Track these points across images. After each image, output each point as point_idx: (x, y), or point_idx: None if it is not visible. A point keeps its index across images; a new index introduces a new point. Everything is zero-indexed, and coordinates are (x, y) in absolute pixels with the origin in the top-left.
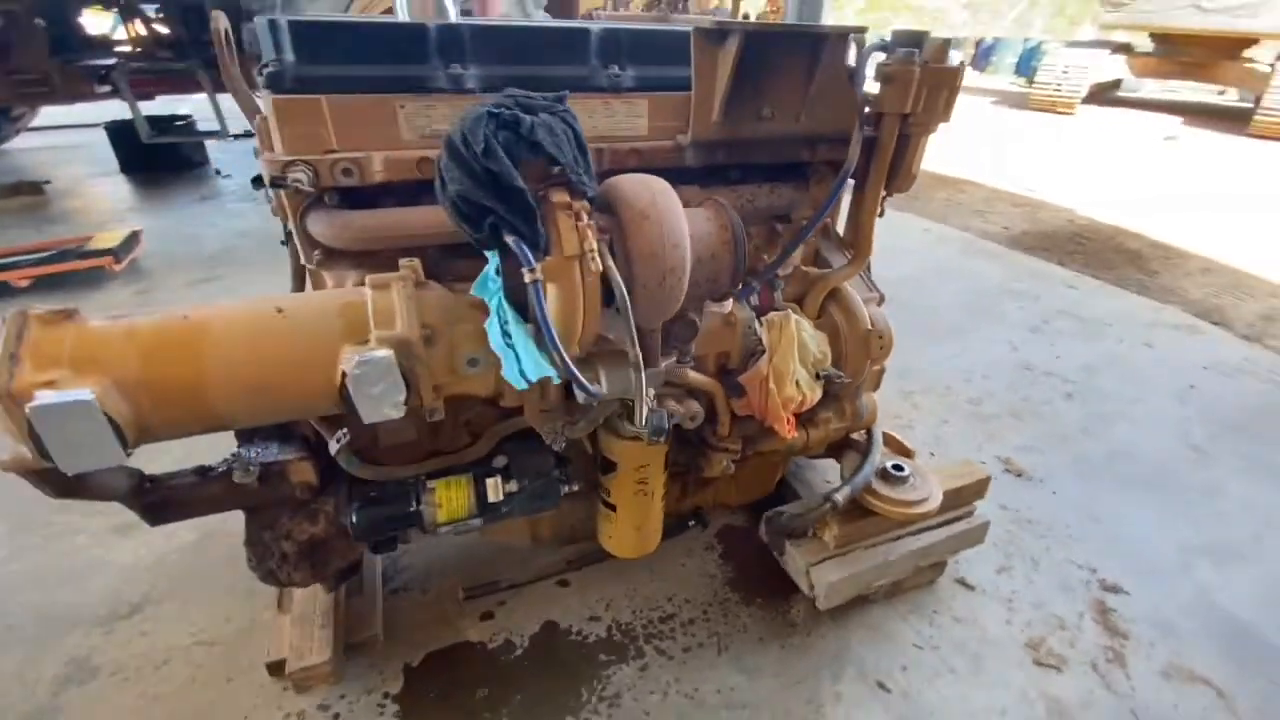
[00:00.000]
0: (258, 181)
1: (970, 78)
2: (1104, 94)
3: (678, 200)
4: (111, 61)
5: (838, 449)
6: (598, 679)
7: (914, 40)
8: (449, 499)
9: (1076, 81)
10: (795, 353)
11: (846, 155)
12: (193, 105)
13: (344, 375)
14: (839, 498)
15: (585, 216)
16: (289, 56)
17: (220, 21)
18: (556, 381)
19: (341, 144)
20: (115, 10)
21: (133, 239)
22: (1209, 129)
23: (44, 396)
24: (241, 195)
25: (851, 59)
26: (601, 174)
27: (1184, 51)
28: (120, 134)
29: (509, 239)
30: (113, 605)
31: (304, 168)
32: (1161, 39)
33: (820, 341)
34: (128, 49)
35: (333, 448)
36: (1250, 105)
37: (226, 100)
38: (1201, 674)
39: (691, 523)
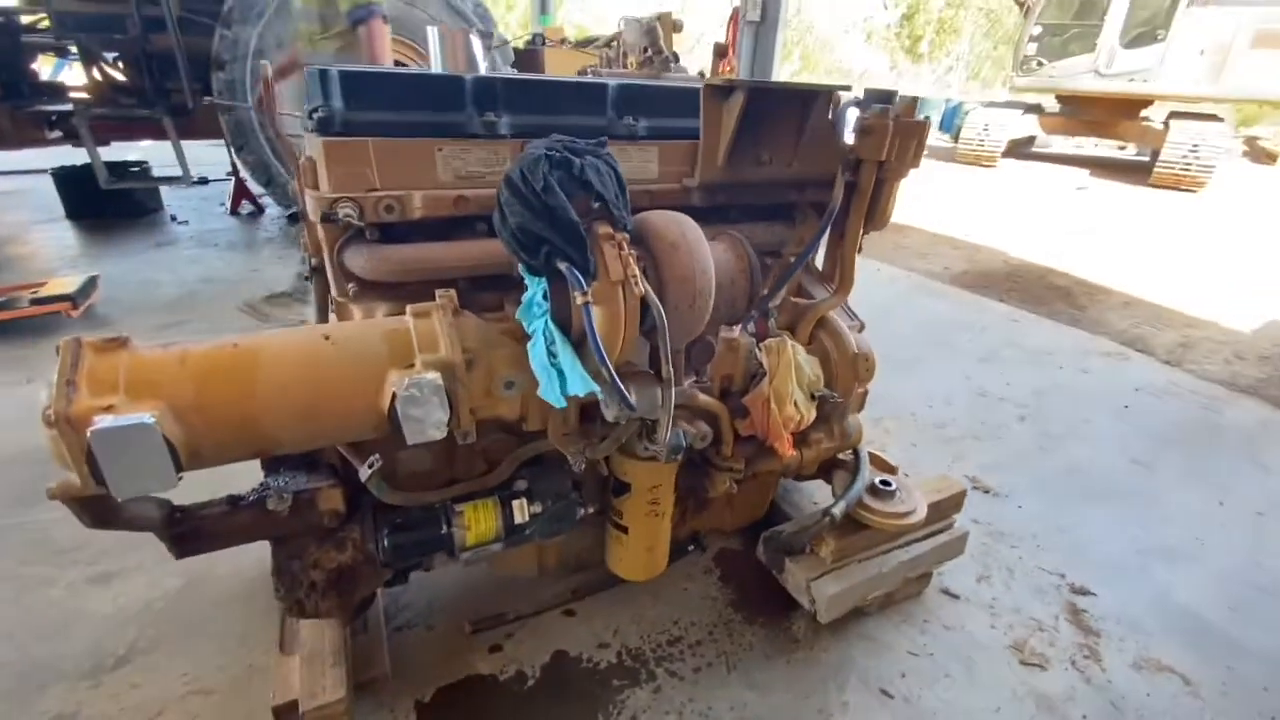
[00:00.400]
0: (294, 219)
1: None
2: (1020, 149)
3: (701, 233)
4: (67, 108)
5: (827, 469)
6: (613, 704)
7: (884, 97)
8: (477, 521)
9: (997, 138)
10: (793, 375)
11: (829, 197)
12: (142, 151)
13: (394, 396)
14: (836, 512)
15: (625, 246)
16: (337, 103)
17: (267, 70)
18: (600, 397)
19: (384, 183)
20: (70, 57)
21: (90, 284)
22: (1114, 180)
23: (104, 420)
24: (200, 241)
25: (829, 113)
26: None
27: (1087, 112)
28: (69, 180)
29: (562, 266)
30: (97, 657)
31: (350, 204)
32: (1067, 100)
33: (813, 365)
34: (83, 95)
35: (363, 474)
36: (1146, 159)
37: (187, 146)
38: (1168, 664)
39: (690, 547)
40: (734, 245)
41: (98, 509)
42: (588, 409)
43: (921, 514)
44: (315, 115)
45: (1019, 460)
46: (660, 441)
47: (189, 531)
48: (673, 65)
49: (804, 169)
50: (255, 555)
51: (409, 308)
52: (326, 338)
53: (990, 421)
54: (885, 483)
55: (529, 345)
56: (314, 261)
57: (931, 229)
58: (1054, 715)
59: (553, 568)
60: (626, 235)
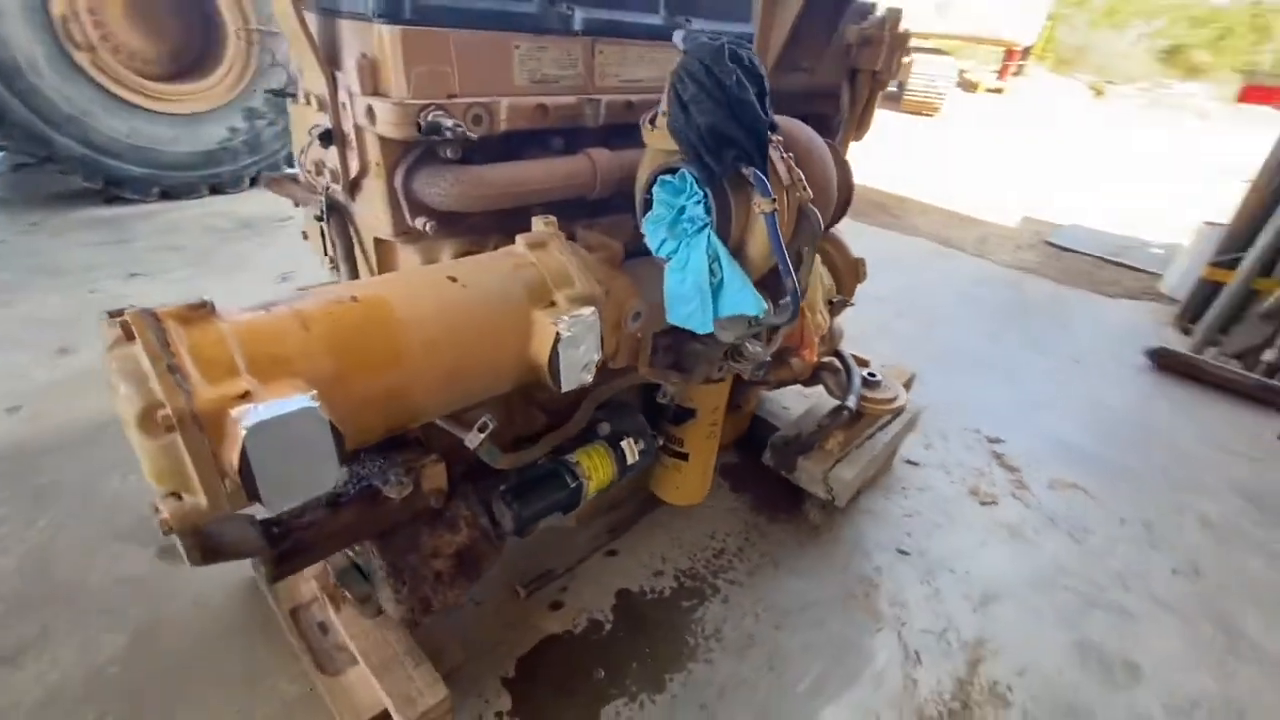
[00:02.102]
0: (327, 138)
1: None
2: None
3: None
4: None
5: (814, 372)
6: (693, 623)
7: (865, 10)
8: (595, 469)
9: (942, 86)
10: (819, 284)
11: (829, 108)
12: None
13: (557, 338)
14: (852, 404)
15: (783, 149)
16: None
17: None
18: (760, 317)
19: (464, 88)
20: None
21: None
22: None
23: (257, 411)
24: None
25: None
26: None
27: None
28: None
29: (747, 171)
30: None
31: (442, 113)
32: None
33: (825, 274)
34: None
35: (473, 440)
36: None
37: None
38: (1071, 482)
39: None
40: (834, 152)
41: (208, 540)
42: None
43: (904, 397)
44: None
45: (911, 346)
46: (758, 357)
47: (291, 548)
48: None
49: (823, 78)
50: (219, 580)
51: (522, 239)
52: (453, 279)
53: (878, 319)
54: (871, 374)
55: (672, 267)
56: (327, 196)
57: None
58: (1019, 536)
59: (589, 514)
60: (780, 138)
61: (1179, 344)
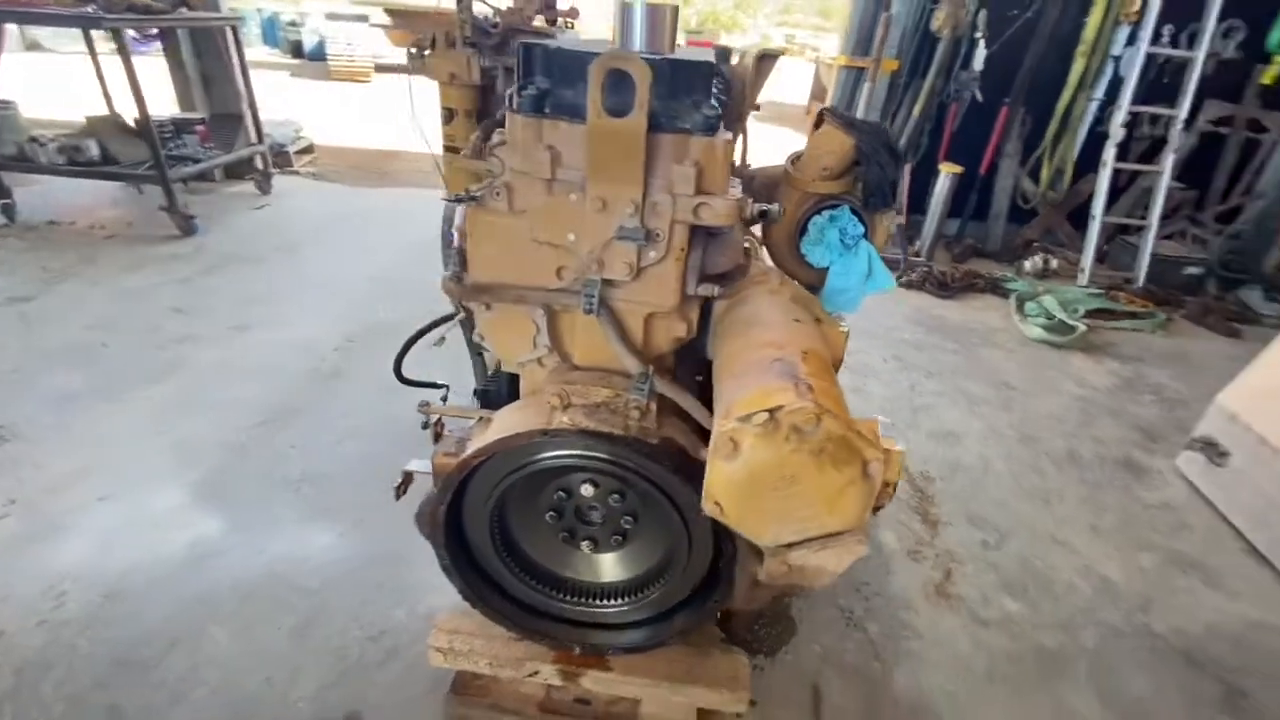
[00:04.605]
0: (648, 237)
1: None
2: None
3: None
4: None
5: None
6: None
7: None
8: None
9: (365, 53)
10: None
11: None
12: None
13: (846, 337)
14: None
15: None
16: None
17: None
18: (891, 289)
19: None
20: None
21: None
22: None
23: (891, 435)
24: None
25: None
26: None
27: (410, 24)
28: None
29: (894, 201)
30: None
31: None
32: (393, 13)
33: None
34: None
35: None
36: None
37: None
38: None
39: None
40: None
41: None
42: None
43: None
44: (707, 114)
45: None
46: None
47: None
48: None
49: None
50: None
51: (776, 280)
52: (797, 320)
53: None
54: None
55: (835, 271)
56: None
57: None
58: (905, 366)
59: None
60: None
61: None
